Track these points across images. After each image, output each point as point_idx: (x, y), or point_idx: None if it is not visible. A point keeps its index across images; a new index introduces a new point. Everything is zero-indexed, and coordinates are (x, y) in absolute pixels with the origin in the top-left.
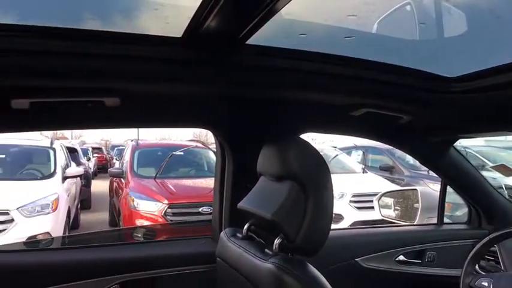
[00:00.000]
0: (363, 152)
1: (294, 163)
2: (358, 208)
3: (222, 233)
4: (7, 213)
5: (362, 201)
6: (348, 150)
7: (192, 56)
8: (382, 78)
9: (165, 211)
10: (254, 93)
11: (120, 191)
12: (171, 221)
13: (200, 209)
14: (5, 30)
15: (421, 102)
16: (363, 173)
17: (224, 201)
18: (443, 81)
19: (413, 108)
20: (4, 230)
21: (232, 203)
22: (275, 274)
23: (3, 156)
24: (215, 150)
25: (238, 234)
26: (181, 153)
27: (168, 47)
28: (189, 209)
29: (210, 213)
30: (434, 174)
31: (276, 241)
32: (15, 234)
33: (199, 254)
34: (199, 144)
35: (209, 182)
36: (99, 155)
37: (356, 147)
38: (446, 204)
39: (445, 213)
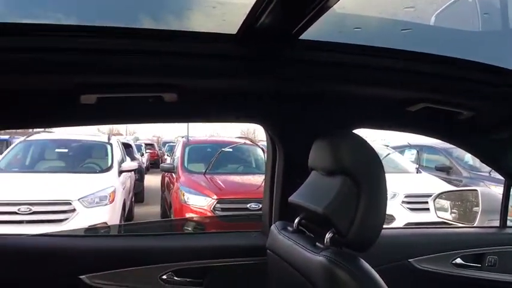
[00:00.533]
0: (417, 151)
1: (346, 158)
2: (411, 209)
3: (272, 226)
4: (69, 203)
5: (415, 202)
6: (401, 149)
7: (246, 52)
8: (441, 72)
9: (214, 206)
10: (307, 88)
11: (172, 185)
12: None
13: (248, 205)
14: (74, 31)
15: (483, 96)
16: (417, 173)
17: (274, 196)
18: (508, 75)
19: (475, 103)
20: (66, 219)
21: (282, 197)
22: (326, 267)
23: (66, 150)
24: (263, 147)
25: (289, 228)
26: (230, 149)
27: (223, 44)
28: (238, 205)
29: (258, 210)
30: (497, 175)
31: (328, 235)
32: (76, 224)
33: (249, 246)
34: (248, 141)
35: (257, 179)
36: (151, 151)
37: (410, 146)
38: (510, 208)
39: (508, 217)
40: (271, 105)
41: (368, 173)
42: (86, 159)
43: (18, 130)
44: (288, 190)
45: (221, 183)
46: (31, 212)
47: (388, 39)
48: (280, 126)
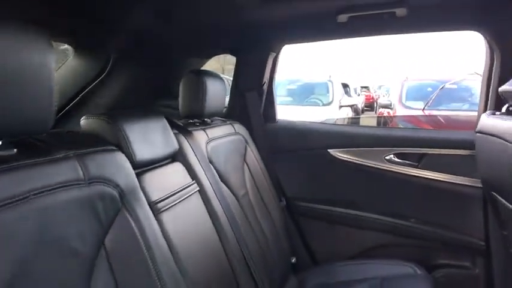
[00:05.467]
0: None
1: None
2: None
3: (482, 114)
4: None
5: None
6: None
7: None
8: None
9: None
10: None
11: (388, 122)
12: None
13: None
14: None
15: None
16: None
17: (490, 96)
18: None
19: None
20: None
21: (497, 96)
22: None
23: (295, 87)
24: None
25: (497, 113)
26: (455, 86)
27: None
28: None
29: None
30: None
31: None
32: None
33: (458, 140)
34: (478, 76)
35: None
36: (366, 94)
37: None
38: None
39: None
40: (492, 10)
41: None
42: (310, 96)
43: None
44: None
45: (441, 119)
46: None
47: None
48: (500, 32)
